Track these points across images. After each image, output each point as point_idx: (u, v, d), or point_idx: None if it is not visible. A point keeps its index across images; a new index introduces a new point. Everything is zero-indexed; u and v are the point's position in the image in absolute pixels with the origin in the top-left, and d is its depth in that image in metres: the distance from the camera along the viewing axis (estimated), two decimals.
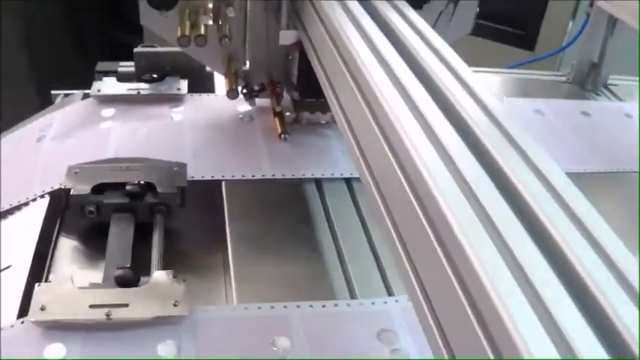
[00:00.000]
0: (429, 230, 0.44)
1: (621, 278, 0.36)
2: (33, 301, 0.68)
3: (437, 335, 0.43)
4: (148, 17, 1.00)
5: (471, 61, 1.75)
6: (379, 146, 0.56)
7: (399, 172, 0.51)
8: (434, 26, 1.04)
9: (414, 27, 0.73)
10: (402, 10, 0.78)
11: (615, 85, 1.54)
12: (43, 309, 0.67)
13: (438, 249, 0.43)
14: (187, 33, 0.95)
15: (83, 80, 1.25)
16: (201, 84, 1.20)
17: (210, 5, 0.97)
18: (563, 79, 1.55)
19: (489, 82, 1.52)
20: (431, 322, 0.44)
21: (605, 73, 1.53)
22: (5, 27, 2.26)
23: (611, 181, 1.13)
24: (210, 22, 0.98)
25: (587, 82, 1.52)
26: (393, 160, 0.53)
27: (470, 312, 0.37)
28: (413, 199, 0.48)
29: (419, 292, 0.46)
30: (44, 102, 1.34)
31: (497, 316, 0.34)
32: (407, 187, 0.49)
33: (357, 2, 0.79)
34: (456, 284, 0.39)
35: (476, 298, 0.37)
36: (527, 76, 1.59)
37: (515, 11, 2.14)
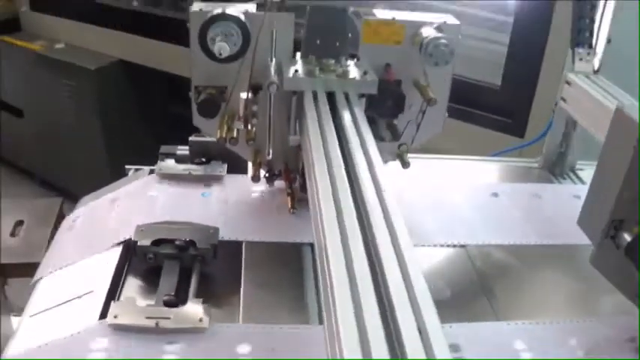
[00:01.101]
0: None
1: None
2: (109, 311, 1.07)
3: None
4: (199, 121, 1.40)
5: (464, 146, 2.14)
6: (317, 225, 0.92)
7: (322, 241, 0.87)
8: (404, 130, 1.42)
9: (367, 156, 1.07)
10: (362, 133, 1.15)
11: (582, 169, 1.85)
12: (115, 317, 1.06)
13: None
14: (224, 135, 1.33)
15: (153, 152, 1.66)
16: (238, 165, 1.58)
17: (242, 113, 1.36)
18: (536, 165, 1.88)
19: (473, 169, 1.87)
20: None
21: (572, 159, 1.85)
22: (87, 116, 2.75)
23: (548, 253, 1.42)
24: (242, 127, 1.36)
25: (556, 167, 1.85)
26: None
27: None
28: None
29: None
30: (120, 174, 1.75)
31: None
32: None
33: (332, 126, 1.16)
34: None
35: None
36: (505, 162, 1.92)
37: (504, 100, 2.48)
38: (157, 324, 1.05)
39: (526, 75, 2.33)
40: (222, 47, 1.21)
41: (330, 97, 1.27)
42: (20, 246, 1.93)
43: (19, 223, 2.02)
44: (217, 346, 1.04)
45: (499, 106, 2.47)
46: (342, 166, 1.02)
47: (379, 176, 0.99)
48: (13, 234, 1.98)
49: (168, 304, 1.11)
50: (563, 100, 1.72)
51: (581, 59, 1.72)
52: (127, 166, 1.74)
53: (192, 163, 1.59)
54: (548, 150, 1.85)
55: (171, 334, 1.05)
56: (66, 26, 3.98)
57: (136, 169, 1.71)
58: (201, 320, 1.07)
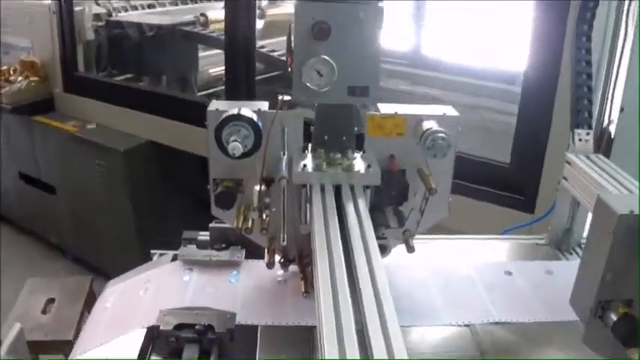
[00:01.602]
0: None
1: None
2: None
3: None
4: (217, 211, 1.51)
5: (474, 224, 2.22)
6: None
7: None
8: (407, 217, 1.51)
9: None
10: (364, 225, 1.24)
11: None
12: None
13: None
14: (240, 226, 1.44)
15: (179, 231, 1.77)
16: (258, 250, 1.67)
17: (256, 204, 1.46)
18: (543, 242, 1.94)
19: (483, 247, 1.93)
20: None
21: (578, 235, 1.91)
22: (117, 195, 2.89)
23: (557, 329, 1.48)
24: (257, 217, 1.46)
25: (562, 244, 1.91)
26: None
27: None
28: None
29: None
30: (148, 251, 1.86)
31: None
32: None
33: (336, 219, 1.25)
34: None
35: None
36: (514, 240, 1.99)
37: (514, 177, 2.56)
38: None
39: (534, 152, 2.41)
40: (236, 147, 1.32)
41: (338, 188, 1.38)
42: (51, 323, 2.05)
43: (51, 300, 2.14)
44: None
45: (509, 183, 2.55)
46: (342, 259, 1.11)
47: (376, 269, 1.08)
48: (44, 311, 2.09)
49: None
50: (565, 179, 1.79)
51: (580, 140, 1.81)
52: (152, 251, 1.85)
53: (213, 248, 1.69)
54: (554, 227, 1.91)
55: None
56: (97, 108, 4.17)
57: (161, 254, 1.81)
58: None
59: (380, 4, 1.36)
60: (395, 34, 4.87)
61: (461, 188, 2.55)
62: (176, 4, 5.10)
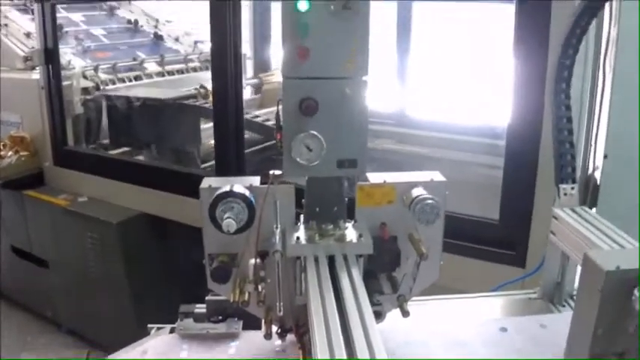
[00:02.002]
0: None
1: None
2: None
3: None
4: (213, 285, 1.53)
5: (467, 281, 2.25)
6: None
7: None
8: (400, 283, 1.54)
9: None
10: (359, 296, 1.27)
11: None
12: None
13: None
14: (237, 299, 1.46)
15: (176, 301, 1.78)
16: (255, 320, 1.69)
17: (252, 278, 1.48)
18: (535, 295, 1.96)
19: (477, 305, 1.95)
20: None
21: (569, 288, 1.93)
22: (111, 267, 2.92)
23: None
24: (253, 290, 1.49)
25: (554, 297, 1.94)
26: None
27: None
28: None
29: None
30: (144, 322, 1.87)
31: None
32: None
33: (331, 290, 1.28)
34: None
35: None
36: (507, 296, 2.01)
37: (504, 234, 2.60)
38: None
39: (522, 208, 2.46)
40: (230, 224, 1.36)
41: (331, 257, 1.41)
42: None
43: None
44: None
45: (500, 240, 2.59)
46: (339, 329, 1.14)
47: (372, 336, 1.10)
48: None
49: None
50: (553, 233, 1.83)
51: (565, 194, 1.85)
52: (149, 325, 1.85)
53: (210, 321, 1.71)
54: (545, 281, 1.94)
55: None
56: (88, 181, 4.22)
57: (158, 328, 1.82)
58: None
59: (364, 78, 1.42)
60: (380, 94, 5.00)
61: (452, 247, 2.60)
62: (163, 75, 5.19)
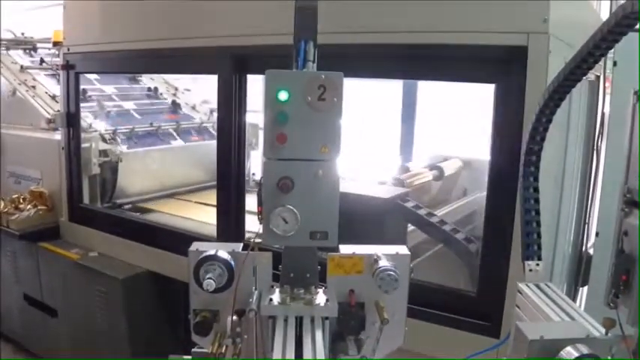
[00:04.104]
0: None
1: None
2: None
3: None
4: (196, 337, 1.70)
5: (444, 349, 2.39)
6: None
7: None
8: (363, 345, 1.69)
9: None
10: None
11: None
12: None
13: None
14: (215, 351, 1.63)
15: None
16: None
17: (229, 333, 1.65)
18: None
19: None
20: None
21: None
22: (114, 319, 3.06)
23: None
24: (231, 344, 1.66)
25: None
26: None
27: None
28: None
29: None
30: None
31: None
32: None
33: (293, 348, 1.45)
34: None
35: None
36: None
37: (480, 306, 2.73)
38: None
39: (497, 281, 2.59)
40: (209, 284, 1.55)
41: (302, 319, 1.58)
42: None
43: None
44: None
45: (476, 311, 2.72)
46: None
47: None
48: None
49: None
50: (518, 307, 1.96)
51: (530, 270, 1.98)
52: None
53: None
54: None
55: None
56: (99, 237, 4.42)
57: None
58: None
59: (335, 160, 1.61)
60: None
61: (432, 316, 2.75)
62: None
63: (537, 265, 1.99)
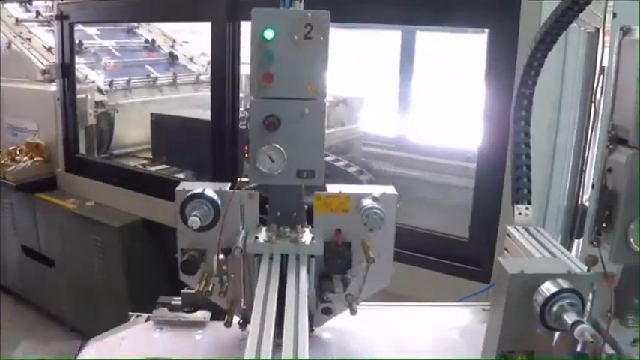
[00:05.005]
0: None
1: None
2: None
3: None
4: (183, 276, 1.72)
5: (436, 293, 2.42)
6: None
7: None
8: (349, 283, 1.71)
9: None
10: None
11: None
12: None
13: None
14: (202, 289, 1.64)
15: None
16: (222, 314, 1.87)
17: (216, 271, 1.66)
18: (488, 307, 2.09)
19: (439, 314, 2.08)
20: None
21: None
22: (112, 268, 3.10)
23: None
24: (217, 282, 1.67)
25: None
26: None
27: None
28: None
29: None
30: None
31: None
32: None
33: (276, 286, 1.46)
34: None
35: None
36: (468, 306, 2.14)
37: (472, 251, 2.77)
38: None
39: (488, 227, 2.62)
40: (194, 221, 1.55)
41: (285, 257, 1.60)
42: None
43: None
44: None
45: (468, 256, 2.75)
46: (274, 315, 1.33)
47: (300, 325, 1.29)
48: None
49: None
50: (507, 250, 1.97)
51: (520, 214, 1.99)
52: (129, 313, 2.04)
53: (183, 311, 1.90)
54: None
55: None
56: (96, 187, 4.44)
57: (137, 315, 2.01)
58: None
59: (324, 100, 1.61)
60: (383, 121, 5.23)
61: (425, 262, 2.77)
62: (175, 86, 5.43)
63: (527, 209, 2.00)
